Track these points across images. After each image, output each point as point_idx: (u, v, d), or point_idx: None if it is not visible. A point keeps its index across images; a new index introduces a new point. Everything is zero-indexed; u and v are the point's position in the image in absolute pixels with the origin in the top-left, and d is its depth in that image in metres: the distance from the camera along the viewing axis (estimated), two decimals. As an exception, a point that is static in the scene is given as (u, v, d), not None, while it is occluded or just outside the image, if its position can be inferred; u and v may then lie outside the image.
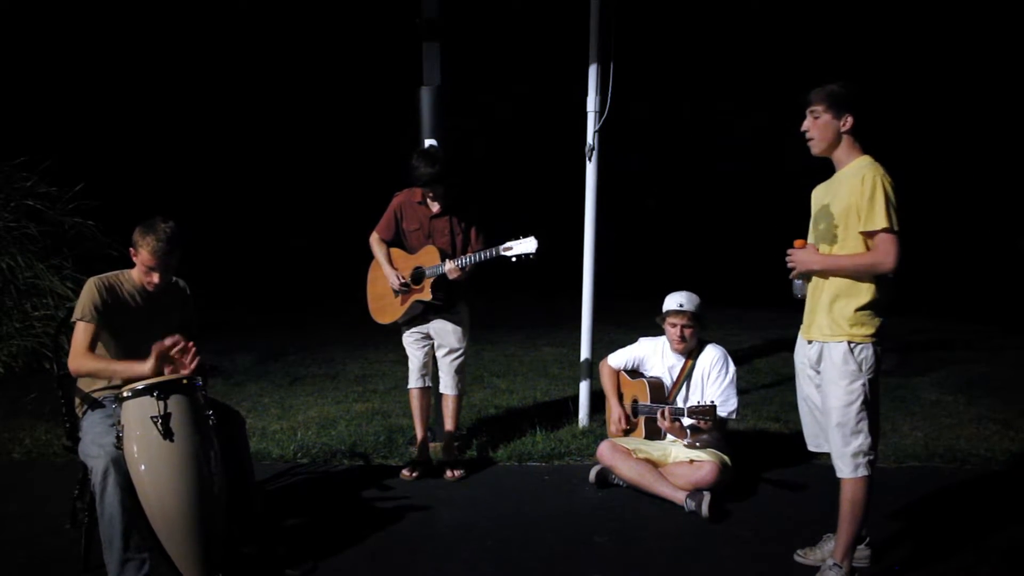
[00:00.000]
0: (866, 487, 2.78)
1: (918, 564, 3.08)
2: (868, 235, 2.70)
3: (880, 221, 2.65)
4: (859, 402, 2.75)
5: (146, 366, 2.85)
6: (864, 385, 2.75)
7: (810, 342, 2.88)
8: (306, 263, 13.01)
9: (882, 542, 3.17)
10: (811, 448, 3.05)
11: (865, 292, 2.73)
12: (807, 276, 2.87)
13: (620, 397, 4.03)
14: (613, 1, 4.42)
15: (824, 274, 2.80)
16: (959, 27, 13.69)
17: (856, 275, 2.73)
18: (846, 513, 2.81)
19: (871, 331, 2.74)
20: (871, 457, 2.78)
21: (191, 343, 2.91)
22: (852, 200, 2.71)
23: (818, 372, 2.88)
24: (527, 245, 3.76)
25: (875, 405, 2.81)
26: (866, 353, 2.74)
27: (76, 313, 2.98)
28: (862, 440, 2.76)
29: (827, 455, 2.90)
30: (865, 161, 2.77)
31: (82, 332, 2.96)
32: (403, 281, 4.05)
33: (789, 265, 2.85)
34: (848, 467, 2.77)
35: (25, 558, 3.10)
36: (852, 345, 2.74)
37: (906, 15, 13.70)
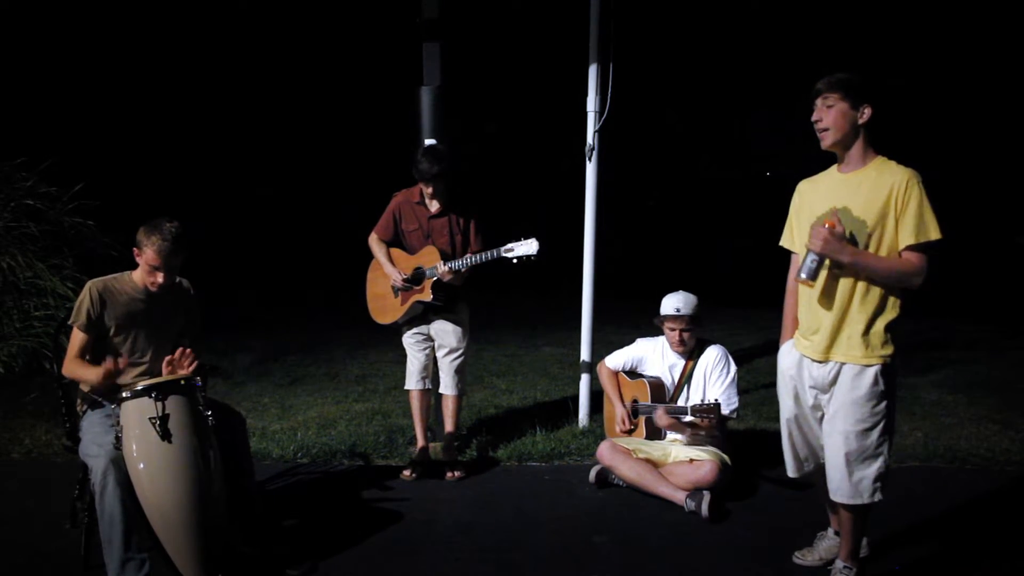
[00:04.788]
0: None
1: (918, 564, 3.08)
2: (914, 248, 2.51)
3: (934, 232, 2.50)
4: (882, 424, 2.62)
5: (95, 378, 2.87)
6: (888, 406, 2.62)
7: (823, 362, 2.67)
8: (305, 261, 13.00)
9: (882, 542, 3.17)
10: (792, 474, 2.91)
11: (893, 308, 2.58)
12: (822, 262, 2.60)
13: (620, 399, 4.02)
14: (613, 1, 4.42)
15: (849, 275, 2.58)
16: (957, 26, 13.69)
17: (886, 281, 2.55)
18: (853, 524, 2.75)
19: (893, 350, 2.60)
20: (885, 481, 2.64)
21: (188, 349, 2.93)
22: (892, 207, 2.52)
23: (824, 392, 2.70)
24: (529, 247, 3.77)
25: (894, 423, 2.69)
26: (889, 372, 2.61)
27: (71, 317, 3.00)
28: (880, 463, 2.62)
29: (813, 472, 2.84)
30: (892, 164, 2.59)
31: (75, 338, 3.00)
32: (405, 277, 4.05)
33: (812, 245, 2.58)
34: (866, 492, 2.62)
35: (25, 558, 3.10)
36: (885, 367, 2.59)
37: (904, 14, 13.71)
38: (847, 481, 2.65)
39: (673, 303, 3.81)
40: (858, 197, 2.60)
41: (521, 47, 14.62)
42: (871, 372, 2.59)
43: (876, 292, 2.58)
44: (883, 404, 2.61)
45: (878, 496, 2.64)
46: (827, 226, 2.56)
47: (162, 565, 2.69)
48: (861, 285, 2.59)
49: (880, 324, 2.58)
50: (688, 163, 17.15)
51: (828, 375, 2.66)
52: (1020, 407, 5.28)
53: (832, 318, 2.63)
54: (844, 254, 2.54)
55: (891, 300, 2.59)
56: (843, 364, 2.62)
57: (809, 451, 2.85)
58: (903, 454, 4.36)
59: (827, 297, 2.64)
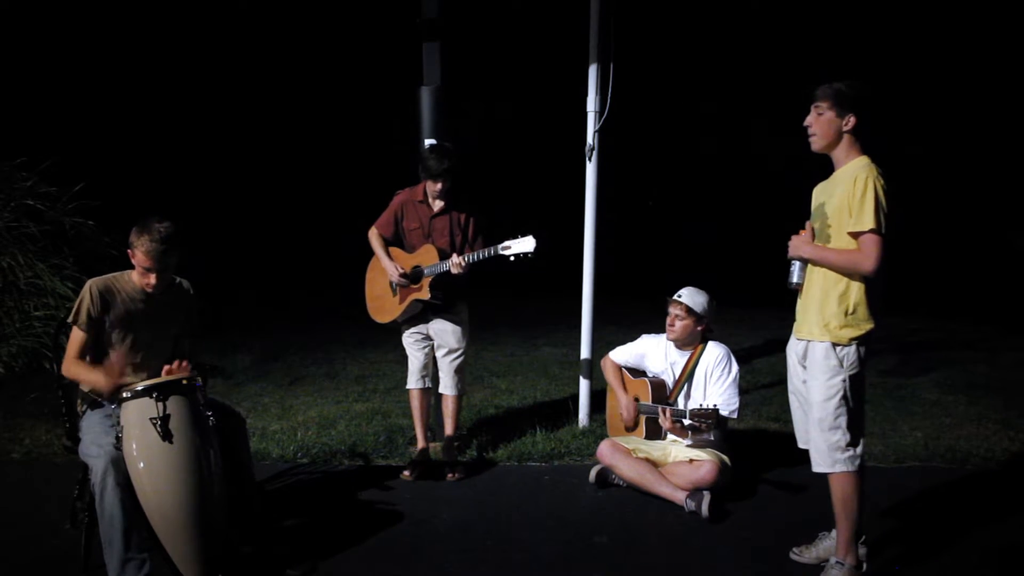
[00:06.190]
0: (853, 483, 2.82)
1: (918, 563, 3.08)
2: (855, 235, 2.73)
3: (867, 222, 2.68)
4: (838, 397, 2.79)
5: (104, 386, 2.88)
6: (844, 381, 2.80)
7: (799, 339, 2.94)
8: (305, 261, 13.00)
9: (883, 541, 3.18)
10: (801, 445, 3.06)
11: (854, 293, 2.77)
12: (804, 266, 2.89)
13: (624, 391, 4.01)
14: (613, 1, 4.42)
15: (815, 266, 2.85)
16: (955, 24, 13.70)
17: (838, 270, 2.78)
18: (839, 511, 2.85)
19: (856, 334, 2.78)
20: (850, 453, 2.81)
21: (184, 361, 2.93)
22: (844, 200, 2.74)
23: (804, 367, 2.93)
24: (525, 244, 3.77)
25: (858, 403, 2.84)
26: (847, 351, 2.79)
27: (71, 315, 3.00)
28: (840, 436, 2.80)
29: None
30: (862, 162, 2.79)
31: (75, 337, 2.99)
32: (402, 272, 4.05)
33: (790, 250, 2.90)
34: (825, 462, 2.82)
35: (25, 558, 3.11)
36: (835, 345, 2.79)
37: (903, 13, 13.72)
38: (814, 447, 2.88)
39: (681, 290, 3.85)
40: (831, 193, 2.85)
41: (521, 47, 14.62)
42: (822, 347, 2.82)
43: (833, 277, 2.80)
44: (838, 378, 2.80)
45: (840, 468, 2.80)
46: (800, 234, 2.88)
47: (162, 565, 2.70)
48: (821, 273, 2.84)
49: (839, 308, 2.79)
50: (688, 162, 17.14)
51: (802, 350, 2.93)
52: (1020, 407, 5.28)
53: (803, 300, 2.94)
54: (804, 251, 2.86)
55: (851, 286, 2.78)
56: (809, 341, 2.88)
57: (807, 424, 2.99)
58: (903, 454, 4.37)
59: (806, 281, 2.93)
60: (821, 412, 2.81)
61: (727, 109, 16.17)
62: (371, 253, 4.26)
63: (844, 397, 2.80)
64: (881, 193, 2.70)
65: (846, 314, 2.78)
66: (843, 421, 2.80)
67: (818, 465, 2.86)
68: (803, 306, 2.92)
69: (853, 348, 2.79)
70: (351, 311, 5.21)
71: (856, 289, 2.77)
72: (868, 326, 2.79)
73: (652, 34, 12.74)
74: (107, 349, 3.04)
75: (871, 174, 2.72)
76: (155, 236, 2.90)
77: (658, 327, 3.96)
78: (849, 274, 2.76)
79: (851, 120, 2.79)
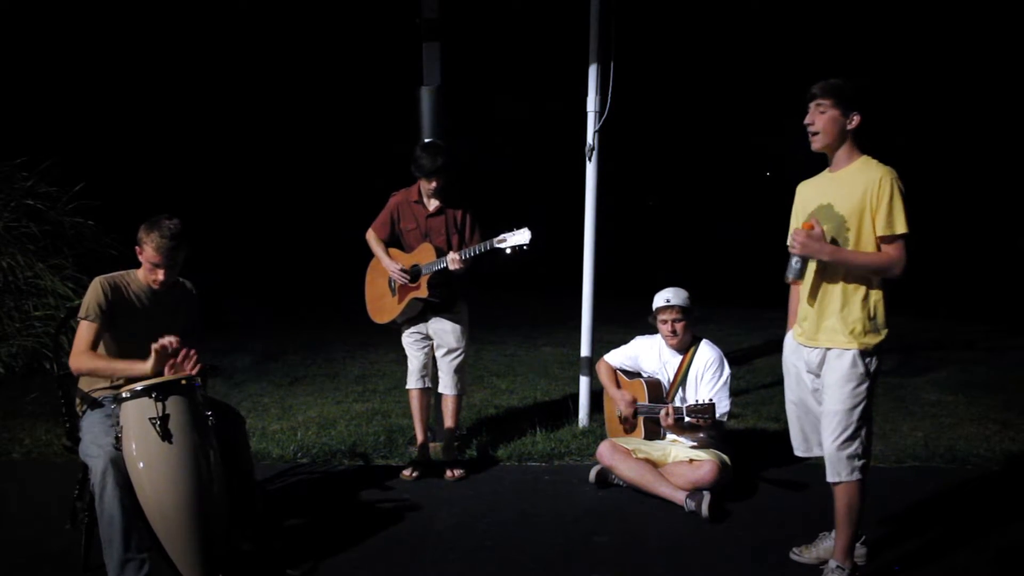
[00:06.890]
0: (861, 489, 2.79)
1: (918, 564, 3.08)
2: (886, 239, 2.67)
3: (901, 226, 2.64)
4: (862, 406, 2.75)
5: (146, 365, 2.87)
6: (868, 389, 2.76)
7: (812, 347, 2.84)
8: (305, 261, 13.00)
9: (882, 541, 3.17)
10: (799, 453, 3.04)
11: (874, 297, 2.73)
12: (805, 261, 2.80)
13: (618, 388, 4.02)
14: (613, 1, 4.42)
15: (832, 269, 2.75)
16: (957, 26, 13.70)
17: (864, 273, 2.72)
18: (843, 516, 2.81)
19: (879, 340, 2.74)
20: (865, 460, 2.78)
21: (192, 350, 2.91)
22: (867, 203, 2.67)
23: (818, 376, 2.85)
24: (521, 236, 3.76)
25: (872, 409, 2.82)
26: (872, 359, 2.75)
27: (80, 311, 2.99)
28: (858, 444, 2.76)
29: (821, 456, 2.89)
30: (872, 162, 2.74)
31: (85, 330, 2.97)
32: (403, 269, 4.05)
33: (793, 248, 2.76)
34: (845, 470, 2.76)
35: (25, 558, 3.10)
36: (863, 354, 2.73)
37: (905, 14, 13.71)
38: (832, 458, 2.79)
39: (664, 295, 3.85)
40: (840, 194, 2.76)
41: (521, 47, 14.63)
42: (849, 355, 2.74)
43: (854, 283, 2.74)
44: (863, 386, 2.75)
45: (856, 475, 2.76)
46: (804, 228, 2.74)
47: (162, 565, 2.69)
48: (840, 277, 2.75)
49: (860, 312, 2.74)
50: (688, 163, 17.17)
51: (816, 359, 2.83)
52: (1020, 407, 5.28)
53: (817, 307, 2.82)
54: (823, 253, 2.72)
55: (870, 291, 2.74)
56: (828, 349, 2.79)
57: (811, 433, 2.97)
58: (903, 454, 4.36)
59: (813, 288, 2.83)
60: (844, 421, 2.73)
61: (727, 109, 16.17)
62: (370, 253, 4.26)
63: (867, 406, 2.76)
64: (903, 193, 2.65)
65: (869, 319, 2.73)
66: (864, 430, 2.76)
67: (835, 475, 2.78)
68: (817, 313, 2.81)
69: (877, 355, 2.75)
70: (351, 311, 5.22)
71: (875, 293, 2.73)
72: (886, 331, 2.76)
73: (652, 34, 12.75)
74: (109, 347, 3.04)
75: (893, 176, 2.67)
76: (164, 232, 2.94)
77: (656, 327, 3.96)
78: (870, 278, 2.72)
79: (856, 119, 2.72)
